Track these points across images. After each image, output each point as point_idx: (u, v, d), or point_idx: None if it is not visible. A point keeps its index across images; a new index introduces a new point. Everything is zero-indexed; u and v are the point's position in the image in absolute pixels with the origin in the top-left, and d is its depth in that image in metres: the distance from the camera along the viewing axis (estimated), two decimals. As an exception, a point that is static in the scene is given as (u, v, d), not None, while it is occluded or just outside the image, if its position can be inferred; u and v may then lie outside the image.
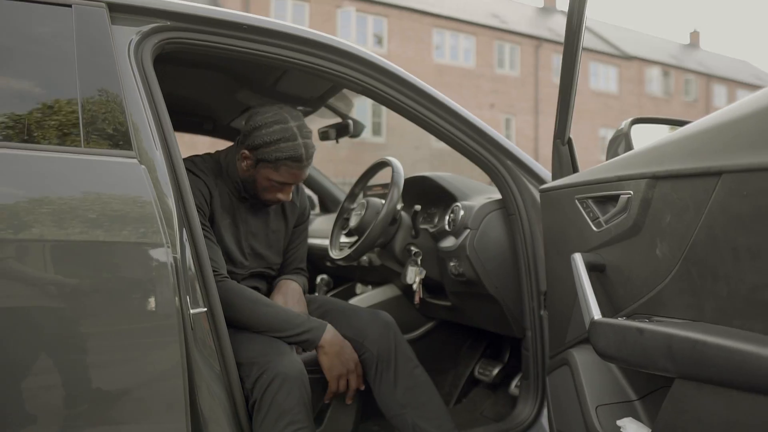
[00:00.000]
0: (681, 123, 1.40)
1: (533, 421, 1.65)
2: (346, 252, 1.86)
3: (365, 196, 2.23)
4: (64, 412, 0.98)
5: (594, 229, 1.18)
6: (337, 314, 1.56)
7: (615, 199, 1.12)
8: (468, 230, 1.69)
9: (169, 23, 1.26)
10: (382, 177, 2.17)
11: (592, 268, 1.15)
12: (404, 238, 1.91)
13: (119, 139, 1.12)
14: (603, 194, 1.15)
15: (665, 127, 1.53)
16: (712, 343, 0.73)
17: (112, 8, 1.20)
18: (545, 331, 1.64)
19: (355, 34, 17.67)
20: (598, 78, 23.68)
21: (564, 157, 1.45)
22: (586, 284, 1.11)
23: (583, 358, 1.24)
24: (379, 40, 18.22)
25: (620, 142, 1.37)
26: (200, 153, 1.65)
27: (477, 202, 1.78)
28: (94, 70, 1.14)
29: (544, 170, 1.70)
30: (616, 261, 1.11)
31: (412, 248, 1.87)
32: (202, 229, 1.35)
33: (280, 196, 1.53)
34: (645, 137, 1.38)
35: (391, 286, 2.29)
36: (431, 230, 1.94)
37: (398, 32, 18.45)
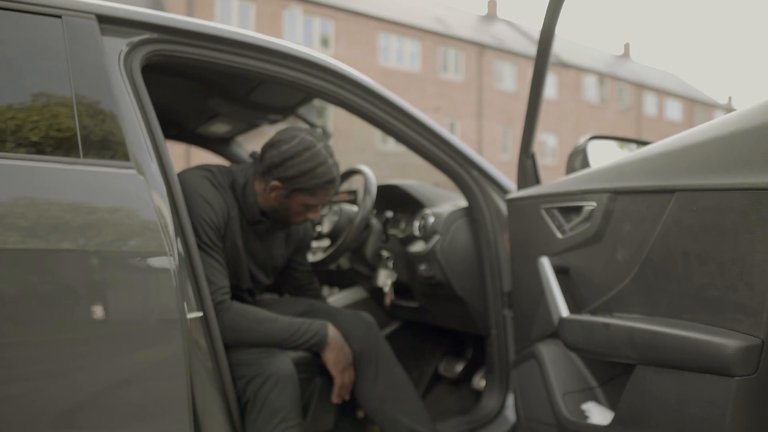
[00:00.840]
0: (633, 141, 1.56)
1: (498, 412, 1.78)
2: (321, 256, 1.94)
3: (332, 202, 2.31)
4: (75, 413, 1.01)
5: (559, 236, 1.32)
6: (322, 315, 1.64)
7: (579, 209, 1.26)
8: (438, 235, 1.80)
9: (156, 36, 1.29)
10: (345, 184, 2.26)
11: (557, 271, 1.29)
12: (375, 243, 2.01)
13: (117, 150, 1.14)
14: (568, 205, 1.29)
15: (616, 143, 1.69)
16: (669, 333, 0.87)
17: (101, 20, 1.22)
18: (508, 329, 1.77)
19: (302, 35, 17.64)
20: (538, 84, 24.51)
21: (528, 169, 1.59)
22: (554, 285, 1.24)
23: (549, 352, 1.37)
24: (325, 42, 18.24)
25: (579, 156, 1.52)
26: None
27: (445, 209, 1.90)
28: (88, 81, 1.16)
29: (507, 180, 1.83)
30: (579, 264, 1.25)
31: (384, 253, 1.98)
32: (211, 247, 1.39)
33: (311, 215, 1.56)
34: (602, 153, 1.54)
35: (358, 289, 2.38)
36: (400, 236, 2.04)
37: (345, 34, 18.53)
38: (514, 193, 1.59)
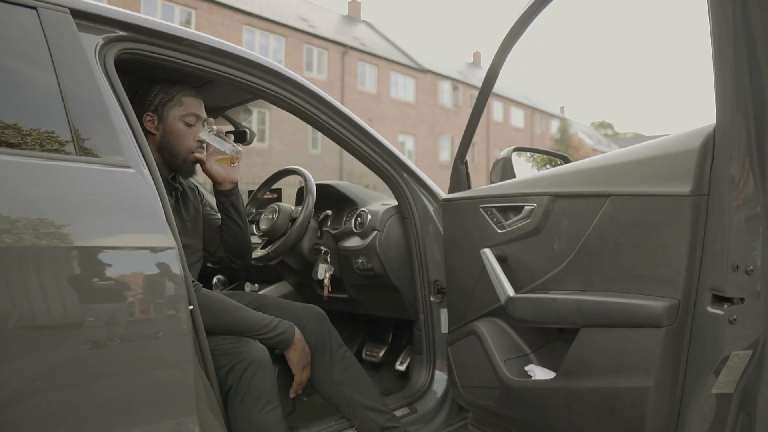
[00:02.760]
0: (550, 153, 1.89)
1: (428, 387, 2.01)
2: (261, 252, 2.05)
3: (257, 200, 2.41)
4: (91, 405, 1.04)
5: (497, 230, 1.58)
6: (273, 309, 1.73)
7: (516, 209, 1.53)
8: (376, 231, 2.00)
9: (126, 34, 1.31)
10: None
11: (498, 260, 1.55)
12: (311, 239, 2.16)
13: (108, 145, 1.15)
14: (507, 205, 1.56)
15: (528, 155, 2.00)
16: (611, 301, 1.16)
17: (75, 14, 1.21)
18: (434, 314, 2.02)
19: (160, 23, 16.70)
20: (397, 88, 25.55)
21: (462, 174, 1.85)
22: (499, 271, 1.50)
23: (487, 328, 1.63)
24: (185, 32, 17.44)
25: (503, 164, 1.80)
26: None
27: (378, 207, 2.10)
28: (73, 74, 1.16)
29: (433, 183, 2.08)
30: (517, 254, 1.52)
31: (322, 248, 2.13)
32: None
33: (195, 133, 1.60)
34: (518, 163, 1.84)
35: (284, 283, 2.50)
36: (333, 232, 2.21)
37: (207, 26, 17.87)
38: (450, 194, 1.84)
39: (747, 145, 1.00)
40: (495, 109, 32.06)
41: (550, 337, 1.54)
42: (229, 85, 1.64)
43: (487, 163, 31.17)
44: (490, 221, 1.61)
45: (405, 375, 2.29)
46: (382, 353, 2.41)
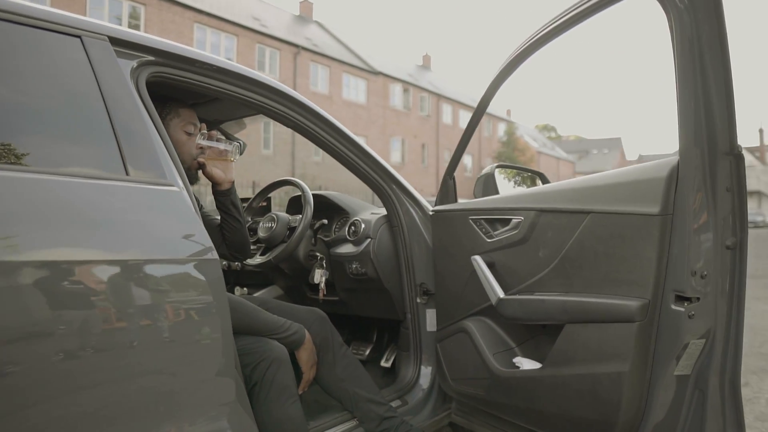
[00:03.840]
0: (529, 171, 2.12)
1: (415, 381, 2.20)
2: (260, 259, 2.20)
3: (252, 209, 2.54)
4: (148, 400, 1.16)
5: (486, 239, 1.80)
6: (279, 312, 1.86)
7: (504, 221, 1.75)
8: (369, 239, 2.18)
9: (154, 59, 1.41)
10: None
11: (487, 266, 1.76)
12: (306, 245, 2.32)
13: (151, 165, 1.26)
14: (495, 217, 1.77)
15: (507, 172, 2.23)
16: (593, 301, 1.38)
17: (112, 41, 1.32)
18: (420, 314, 2.21)
19: (107, 18, 16.26)
20: (349, 89, 25.71)
21: (450, 188, 2.06)
22: (489, 275, 1.71)
23: (476, 325, 1.84)
24: (133, 28, 17.02)
25: (486, 180, 2.02)
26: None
27: (369, 216, 2.28)
28: (117, 99, 1.25)
29: (418, 193, 2.27)
30: (504, 260, 1.73)
31: (318, 254, 2.29)
32: None
33: (198, 142, 1.71)
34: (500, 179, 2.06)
35: (274, 287, 2.65)
36: (325, 239, 2.38)
37: (157, 23, 17.53)
38: (439, 206, 2.04)
39: (702, 176, 1.24)
40: (445, 112, 32.67)
41: (533, 332, 1.77)
42: (232, 101, 1.74)
43: (437, 164, 31.76)
44: (479, 231, 1.82)
45: (390, 371, 2.47)
46: (368, 351, 2.60)
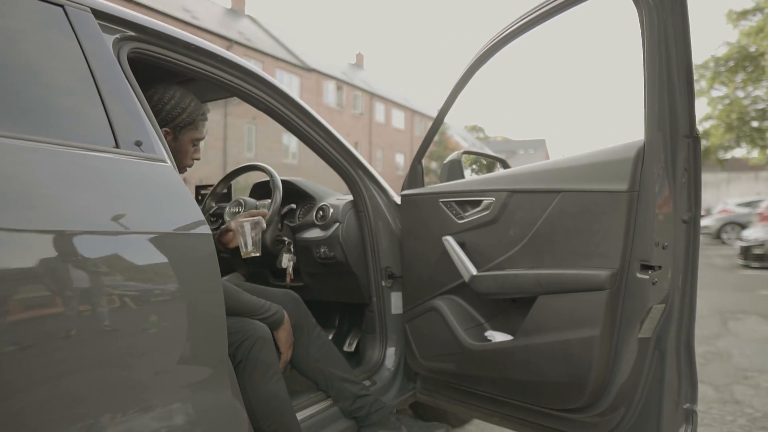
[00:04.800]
0: (493, 157, 2.22)
1: (382, 362, 2.27)
2: None
3: (216, 194, 2.52)
4: (148, 371, 1.16)
5: (457, 221, 1.88)
6: (255, 294, 1.87)
7: (474, 203, 1.84)
8: (338, 223, 2.22)
9: (134, 34, 1.40)
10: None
11: (458, 245, 1.85)
12: (273, 231, 2.33)
13: (142, 139, 1.25)
14: (466, 199, 1.86)
15: (468, 158, 2.33)
16: (566, 273, 1.49)
17: (95, 14, 1.29)
18: (386, 297, 2.28)
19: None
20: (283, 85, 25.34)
21: (419, 173, 2.13)
22: (462, 254, 1.80)
23: (446, 304, 1.93)
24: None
25: (452, 165, 2.11)
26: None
27: (336, 202, 2.32)
28: (104, 70, 1.23)
29: (382, 179, 2.34)
30: (475, 240, 1.83)
31: (285, 239, 2.31)
32: None
33: (196, 154, 1.76)
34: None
35: (236, 274, 2.63)
36: (291, 224, 2.40)
37: (79, 10, 16.63)
38: (408, 190, 2.11)
39: (665, 156, 1.37)
40: (377, 111, 32.89)
41: (502, 307, 1.87)
42: (210, 83, 1.72)
43: (369, 162, 31.80)
44: (450, 213, 1.91)
45: (353, 356, 2.52)
46: (330, 336, 2.63)
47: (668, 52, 1.32)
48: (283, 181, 2.41)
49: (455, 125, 51.34)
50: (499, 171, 1.92)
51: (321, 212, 2.30)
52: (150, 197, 1.23)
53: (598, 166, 1.48)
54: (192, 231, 1.25)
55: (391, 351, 2.28)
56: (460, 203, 1.89)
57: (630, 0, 1.34)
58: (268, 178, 2.41)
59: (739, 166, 26.04)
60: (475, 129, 70.22)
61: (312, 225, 2.32)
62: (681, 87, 1.33)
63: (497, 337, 1.74)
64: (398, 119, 35.48)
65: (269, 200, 2.27)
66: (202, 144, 1.79)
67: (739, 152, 19.93)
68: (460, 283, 1.86)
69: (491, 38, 1.76)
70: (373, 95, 32.24)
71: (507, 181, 1.73)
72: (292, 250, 2.30)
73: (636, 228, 1.41)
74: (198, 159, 1.78)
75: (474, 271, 1.74)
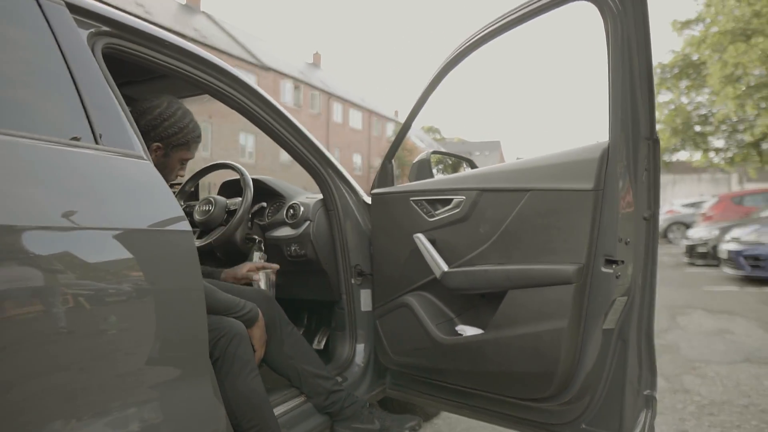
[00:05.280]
0: (460, 158, 2.28)
1: (352, 358, 2.30)
2: (198, 243, 2.18)
3: (185, 192, 2.50)
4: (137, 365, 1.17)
5: (428, 219, 1.93)
6: (227, 292, 1.89)
7: (445, 201, 1.89)
8: (309, 222, 2.24)
9: (109, 29, 1.38)
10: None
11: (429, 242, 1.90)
12: (243, 229, 2.33)
13: (120, 136, 1.25)
14: (438, 198, 1.91)
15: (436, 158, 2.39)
16: (535, 268, 1.56)
17: (69, 8, 1.27)
18: (355, 294, 2.31)
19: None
20: (239, 83, 24.97)
21: (389, 173, 2.17)
22: (433, 251, 1.85)
23: (417, 300, 1.97)
24: None
25: (421, 165, 2.16)
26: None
27: (306, 200, 2.33)
28: (79, 64, 1.22)
29: (353, 180, 2.37)
30: (446, 237, 1.88)
31: (255, 237, 2.31)
32: None
33: (182, 172, 1.79)
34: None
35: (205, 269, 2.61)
36: (260, 223, 2.40)
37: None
38: (379, 189, 2.15)
39: (627, 157, 1.46)
40: (335, 111, 32.81)
41: (472, 302, 1.93)
42: (183, 81, 1.70)
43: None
44: (420, 211, 1.96)
45: (322, 353, 2.54)
46: (300, 333, 2.64)
47: (631, 59, 1.40)
48: (252, 180, 2.42)
49: (413, 126, 51.68)
50: (470, 170, 1.98)
51: (292, 210, 2.31)
52: (130, 193, 1.23)
53: (565, 166, 1.55)
54: (172, 227, 1.25)
55: (360, 347, 2.31)
56: (431, 202, 1.94)
57: (596, 10, 1.42)
58: (236, 177, 2.41)
59: (684, 168, 27.20)
60: (431, 130, 70.88)
61: (282, 223, 2.33)
62: (642, 92, 1.42)
63: (468, 331, 1.80)
64: (356, 119, 35.50)
65: (240, 198, 2.27)
66: (188, 163, 1.79)
67: (683, 155, 20.83)
68: (430, 280, 1.91)
69: (461, 43, 1.82)
70: (330, 95, 32.15)
71: (477, 180, 1.79)
72: (263, 248, 2.30)
73: (601, 225, 1.49)
74: (182, 176, 1.80)
75: (445, 268, 1.80)
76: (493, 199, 1.73)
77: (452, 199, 1.86)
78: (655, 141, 1.46)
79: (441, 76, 1.90)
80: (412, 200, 1.99)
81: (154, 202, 1.27)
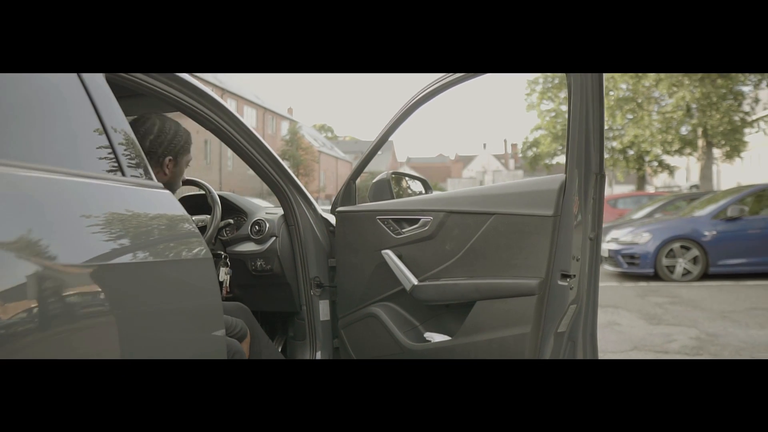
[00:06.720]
0: (416, 178, 2.49)
1: None
2: None
3: None
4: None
5: (394, 236, 2.13)
6: None
7: (411, 221, 2.09)
8: (274, 237, 2.35)
9: None
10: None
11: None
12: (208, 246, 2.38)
13: (143, 168, 1.32)
14: (405, 217, 2.11)
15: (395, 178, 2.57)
16: (502, 281, 1.81)
17: None
18: (314, 305, 2.45)
19: None
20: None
21: (352, 192, 2.34)
22: (402, 266, 2.05)
23: (384, 310, 2.16)
24: None
25: (380, 185, 2.34)
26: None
27: (270, 216, 2.44)
28: (103, 101, 1.27)
29: (311, 195, 2.50)
30: (412, 253, 2.08)
31: (221, 252, 2.37)
32: None
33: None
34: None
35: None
36: (222, 239, 2.47)
37: None
38: (344, 207, 2.31)
39: (580, 188, 1.74)
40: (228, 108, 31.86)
41: (434, 312, 2.15)
42: (154, 98, 1.72)
43: (219, 161, 30.87)
44: (387, 229, 2.15)
45: None
46: (255, 344, 2.73)
47: (587, 111, 1.69)
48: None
49: (305, 124, 51.50)
50: (436, 193, 2.19)
51: (257, 227, 2.40)
52: (159, 224, 1.31)
53: (527, 194, 1.81)
54: (198, 255, 1.35)
55: (319, 355, 2.45)
56: (398, 221, 2.14)
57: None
58: (197, 192, 2.46)
59: (562, 171, 29.46)
60: (324, 128, 70.92)
61: (246, 239, 2.42)
62: (595, 135, 1.71)
63: (436, 337, 2.02)
64: (250, 117, 34.75)
65: (205, 216, 2.33)
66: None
67: (563, 159, 22.62)
68: (396, 291, 2.11)
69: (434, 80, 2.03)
70: (224, 91, 31.22)
71: (444, 203, 2.01)
72: (229, 263, 2.38)
73: (558, 245, 1.76)
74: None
75: (415, 281, 2.00)
76: (460, 220, 1.96)
77: (419, 219, 2.07)
78: (602, 176, 1.76)
79: (408, 112, 2.10)
80: (379, 219, 2.17)
81: (181, 231, 1.36)
